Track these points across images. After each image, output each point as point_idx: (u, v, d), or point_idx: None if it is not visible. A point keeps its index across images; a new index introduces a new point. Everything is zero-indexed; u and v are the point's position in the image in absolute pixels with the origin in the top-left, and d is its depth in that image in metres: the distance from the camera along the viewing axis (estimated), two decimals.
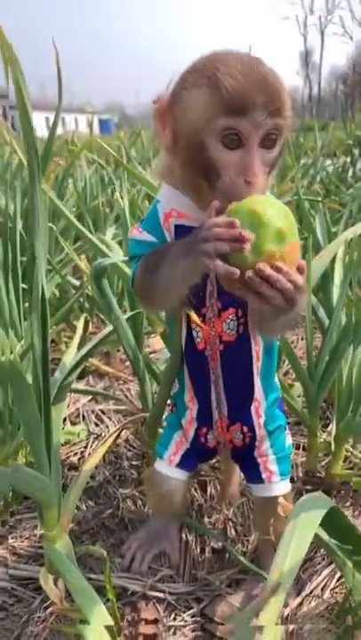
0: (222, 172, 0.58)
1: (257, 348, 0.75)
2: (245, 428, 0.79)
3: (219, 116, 0.56)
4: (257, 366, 0.76)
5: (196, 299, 0.69)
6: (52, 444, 0.78)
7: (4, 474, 0.62)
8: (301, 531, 0.51)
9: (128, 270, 0.99)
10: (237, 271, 0.52)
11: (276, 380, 0.83)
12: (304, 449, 1.16)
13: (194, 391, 0.80)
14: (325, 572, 0.87)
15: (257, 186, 0.57)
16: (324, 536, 0.61)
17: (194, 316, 0.70)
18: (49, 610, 0.81)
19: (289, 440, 0.85)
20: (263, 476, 0.81)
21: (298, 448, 1.18)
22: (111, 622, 0.70)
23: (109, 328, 0.96)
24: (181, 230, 0.68)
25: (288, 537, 0.50)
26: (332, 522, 0.66)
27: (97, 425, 1.31)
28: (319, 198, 1.64)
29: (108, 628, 0.71)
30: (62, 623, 0.81)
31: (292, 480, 1.08)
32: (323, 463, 1.12)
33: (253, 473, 0.82)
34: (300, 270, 0.55)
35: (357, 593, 0.62)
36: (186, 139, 0.60)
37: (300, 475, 1.10)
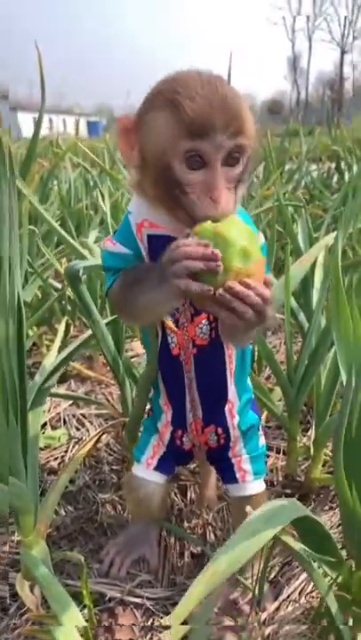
0: (188, 191, 0.60)
1: (229, 352, 0.76)
2: (220, 430, 0.80)
3: (181, 138, 0.58)
4: (230, 369, 0.77)
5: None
6: (29, 450, 0.77)
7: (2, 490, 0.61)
8: (257, 531, 0.51)
9: None
10: (211, 288, 0.54)
11: (249, 381, 0.84)
12: (285, 453, 1.17)
13: (168, 395, 0.81)
14: (303, 576, 0.88)
15: (222, 203, 0.59)
16: (294, 544, 0.62)
17: (168, 322, 0.70)
18: (25, 616, 0.80)
19: (262, 440, 0.86)
20: (237, 475, 0.82)
21: (278, 452, 1.19)
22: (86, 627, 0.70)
23: (89, 332, 0.96)
24: (154, 240, 0.69)
25: (240, 534, 0.51)
26: (305, 527, 0.67)
27: (78, 429, 1.31)
28: (301, 204, 1.65)
29: (82, 632, 0.71)
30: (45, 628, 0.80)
31: (271, 484, 1.09)
32: (303, 467, 1.12)
33: (228, 474, 0.83)
34: (266, 284, 0.57)
35: (330, 598, 0.63)
36: (153, 160, 0.61)
37: (280, 479, 1.10)
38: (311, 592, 0.85)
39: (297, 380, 1.00)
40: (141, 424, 0.91)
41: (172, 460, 0.86)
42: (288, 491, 1.06)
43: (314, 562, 0.65)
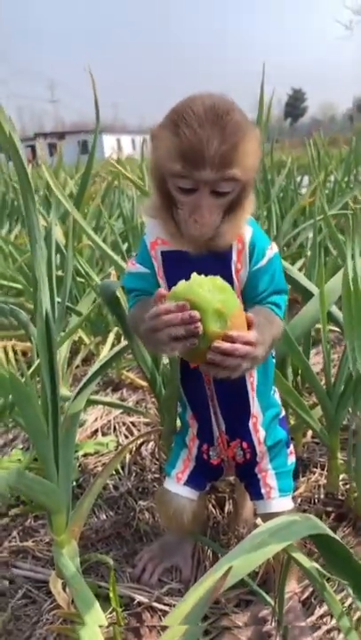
0: (179, 207, 0.66)
1: None
2: (245, 444, 0.80)
3: (174, 162, 0.63)
4: (250, 382, 0.76)
5: None
6: (62, 452, 0.81)
7: (3, 477, 0.66)
8: (263, 544, 0.51)
9: None
10: (195, 341, 0.58)
11: (276, 396, 0.83)
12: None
13: (192, 409, 0.82)
14: (337, 598, 0.84)
15: (205, 225, 0.64)
16: (305, 562, 0.60)
17: None
18: (53, 612, 0.84)
19: (292, 457, 0.84)
20: (263, 491, 0.81)
21: (323, 469, 1.15)
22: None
23: (123, 343, 1.00)
24: (167, 255, 0.74)
25: (245, 545, 0.50)
26: (327, 546, 0.64)
27: (127, 437, 1.35)
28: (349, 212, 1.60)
29: (111, 635, 0.74)
30: (70, 626, 0.83)
31: (313, 502, 1.06)
32: (348, 485, 1.08)
33: (254, 489, 0.82)
34: (249, 325, 0.61)
35: (343, 622, 0.60)
36: (156, 170, 0.68)
37: (322, 496, 1.07)
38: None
39: (336, 395, 0.97)
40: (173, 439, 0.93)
41: (202, 475, 0.86)
42: (329, 509, 1.02)
43: (328, 581, 0.63)
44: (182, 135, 0.61)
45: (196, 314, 0.56)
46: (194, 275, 0.60)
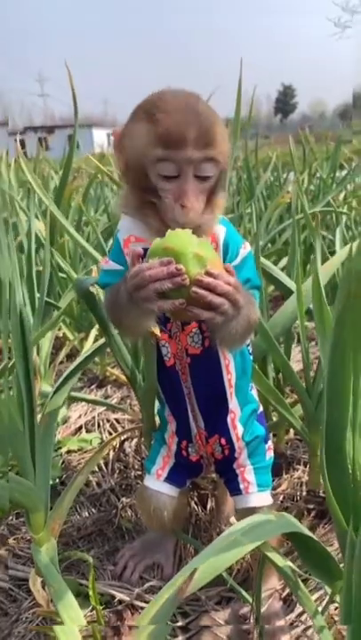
0: (162, 195, 0.63)
1: (226, 362, 0.76)
2: (223, 440, 0.80)
3: (155, 147, 0.61)
4: (228, 379, 0.76)
5: (162, 315, 0.71)
6: (39, 451, 0.81)
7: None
8: (237, 543, 0.50)
9: None
10: (183, 301, 0.57)
11: (254, 392, 0.83)
12: None
13: (169, 406, 0.82)
14: (316, 595, 0.84)
15: (193, 210, 0.62)
16: (279, 560, 0.60)
17: (155, 330, 0.72)
18: (33, 611, 0.83)
19: (270, 453, 0.84)
20: (241, 486, 0.81)
21: (306, 465, 1.16)
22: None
23: (101, 341, 0.99)
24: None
25: (218, 544, 0.50)
26: (304, 544, 0.65)
27: (110, 434, 1.34)
28: (332, 209, 1.60)
29: (91, 633, 0.73)
30: (50, 624, 0.83)
31: (295, 499, 1.06)
32: None
33: (233, 485, 0.82)
34: (229, 273, 0.59)
35: (318, 620, 0.60)
36: (132, 165, 0.66)
37: (304, 493, 1.07)
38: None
39: (316, 393, 0.97)
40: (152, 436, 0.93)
41: (182, 471, 0.86)
42: (311, 506, 1.02)
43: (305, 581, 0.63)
44: (160, 120, 0.60)
45: (181, 267, 0.55)
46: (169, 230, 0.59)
